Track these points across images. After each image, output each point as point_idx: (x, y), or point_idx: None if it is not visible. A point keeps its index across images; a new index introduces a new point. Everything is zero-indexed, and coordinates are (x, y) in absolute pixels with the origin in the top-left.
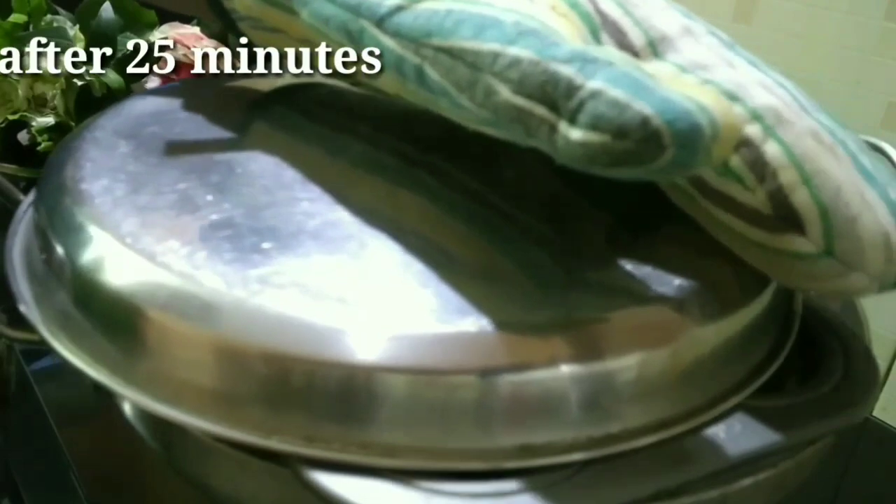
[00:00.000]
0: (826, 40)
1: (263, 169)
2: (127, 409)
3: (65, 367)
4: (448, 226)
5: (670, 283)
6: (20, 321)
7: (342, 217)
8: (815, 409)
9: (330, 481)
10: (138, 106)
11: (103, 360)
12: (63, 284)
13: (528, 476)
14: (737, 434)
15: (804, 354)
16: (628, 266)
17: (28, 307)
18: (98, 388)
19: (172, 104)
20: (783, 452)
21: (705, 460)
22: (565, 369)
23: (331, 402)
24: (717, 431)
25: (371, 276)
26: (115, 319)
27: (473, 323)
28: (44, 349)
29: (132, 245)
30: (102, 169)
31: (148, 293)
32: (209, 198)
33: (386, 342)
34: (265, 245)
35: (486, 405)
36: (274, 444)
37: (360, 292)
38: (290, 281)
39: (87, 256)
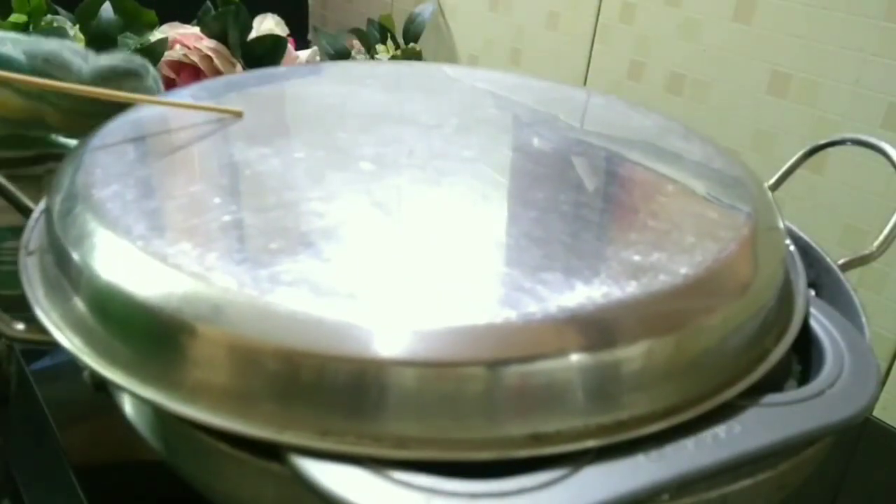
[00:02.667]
0: (826, 40)
1: (272, 170)
2: (127, 408)
3: (65, 367)
4: (455, 221)
5: (677, 272)
6: (34, 324)
7: (350, 216)
8: (815, 409)
9: (330, 480)
10: (146, 111)
11: (119, 361)
12: (77, 289)
13: (528, 476)
14: (737, 434)
15: (804, 354)
16: (635, 255)
17: (43, 312)
18: (98, 389)
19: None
20: (783, 452)
21: (705, 460)
22: (574, 358)
23: (343, 396)
24: (718, 432)
25: (380, 272)
26: (128, 321)
27: (481, 315)
28: (45, 349)
29: (144, 248)
30: (112, 174)
31: (161, 295)
32: (218, 200)
33: (396, 336)
34: (275, 245)
35: (495, 395)
36: (288, 439)
37: (369, 288)
38: (300, 279)
39: (100, 261)
